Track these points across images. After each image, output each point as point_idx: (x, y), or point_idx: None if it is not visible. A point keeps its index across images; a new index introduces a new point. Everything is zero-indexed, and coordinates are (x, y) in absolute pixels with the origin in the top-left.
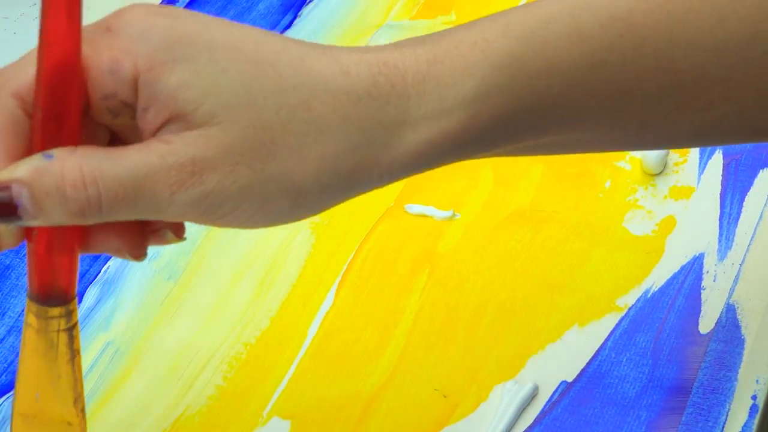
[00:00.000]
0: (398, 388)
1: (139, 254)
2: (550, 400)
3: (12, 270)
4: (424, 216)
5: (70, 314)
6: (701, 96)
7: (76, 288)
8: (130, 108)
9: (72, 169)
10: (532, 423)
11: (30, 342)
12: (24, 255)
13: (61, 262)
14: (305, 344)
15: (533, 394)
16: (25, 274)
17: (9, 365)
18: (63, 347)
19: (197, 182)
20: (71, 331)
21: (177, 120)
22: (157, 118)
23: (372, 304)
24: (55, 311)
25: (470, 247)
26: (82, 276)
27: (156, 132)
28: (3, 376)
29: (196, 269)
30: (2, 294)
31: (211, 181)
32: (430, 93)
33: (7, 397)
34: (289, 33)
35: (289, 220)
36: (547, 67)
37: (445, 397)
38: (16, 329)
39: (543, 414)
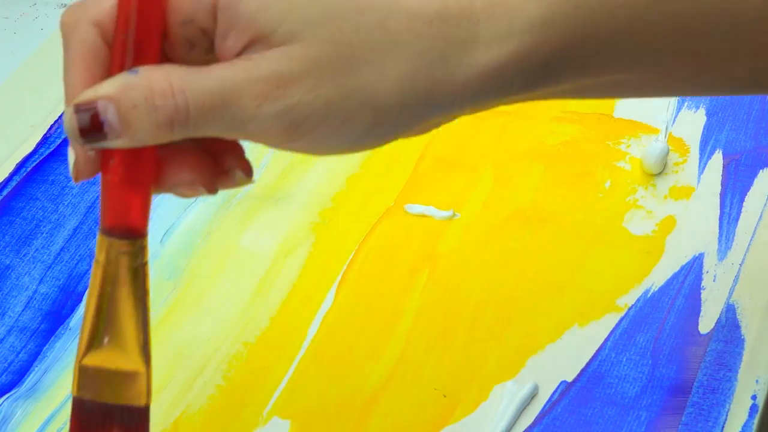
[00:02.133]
0: (398, 388)
1: (212, 188)
2: (550, 399)
3: (12, 270)
4: (424, 216)
5: (142, 250)
6: (758, 38)
7: (147, 225)
8: (206, 38)
9: (160, 79)
10: (532, 423)
11: (98, 280)
12: (24, 255)
13: (135, 194)
14: (305, 344)
15: (533, 394)
16: (25, 274)
17: (9, 365)
18: (133, 285)
19: (282, 95)
20: (143, 268)
21: (258, 42)
22: (237, 43)
23: (372, 303)
24: (127, 246)
25: (470, 247)
26: (82, 276)
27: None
28: (3, 376)
29: (197, 269)
30: (2, 294)
31: (295, 95)
32: (498, 16)
33: (7, 397)
34: None
35: (369, 141)
36: None
37: (445, 396)
38: (16, 329)
39: (543, 414)
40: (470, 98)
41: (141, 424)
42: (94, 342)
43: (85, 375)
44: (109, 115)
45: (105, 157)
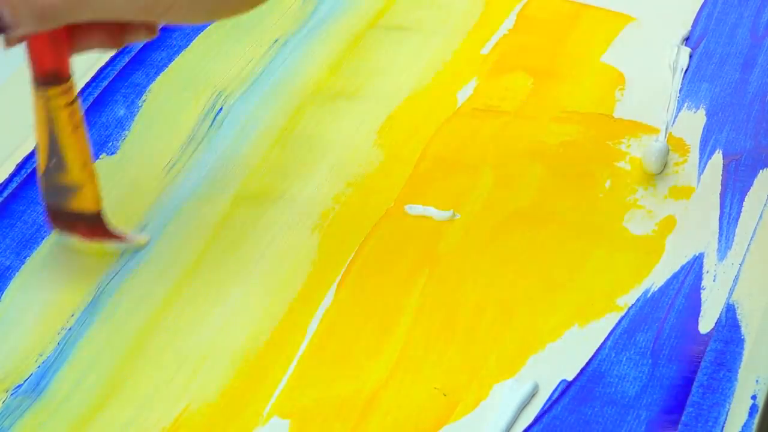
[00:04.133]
0: (398, 387)
1: (120, 45)
2: (550, 399)
3: (12, 270)
4: (424, 216)
5: (67, 92)
6: None
7: (70, 71)
8: None
9: None
10: (532, 422)
11: (38, 118)
12: (24, 257)
13: (52, 48)
14: (305, 343)
15: (533, 393)
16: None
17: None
18: (64, 121)
19: None
20: (70, 106)
21: None
22: None
23: (372, 304)
24: (53, 90)
25: (470, 247)
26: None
27: None
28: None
29: (196, 270)
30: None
31: None
32: None
33: (8, 396)
34: None
35: (223, 12)
36: None
37: (445, 395)
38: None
39: (543, 413)
40: None
41: (99, 225)
42: (46, 165)
43: (45, 186)
44: (3, 14)
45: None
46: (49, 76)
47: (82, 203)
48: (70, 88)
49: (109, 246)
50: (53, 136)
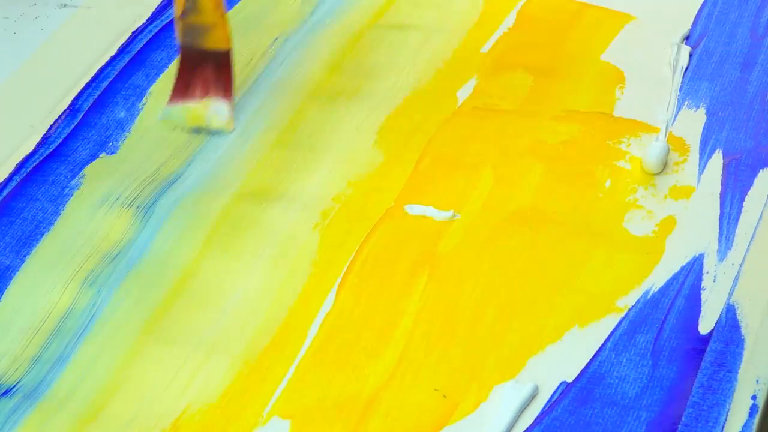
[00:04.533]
0: (398, 389)
1: None
2: (550, 400)
3: (12, 270)
4: (424, 216)
5: None
6: None
7: None
8: None
9: None
10: (532, 423)
11: None
12: (24, 256)
13: None
14: (305, 344)
15: (533, 395)
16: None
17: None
18: None
19: None
20: None
21: None
22: None
23: (372, 304)
24: None
25: (470, 247)
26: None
27: None
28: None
29: (196, 269)
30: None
31: None
32: None
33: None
34: None
35: None
36: None
37: (445, 397)
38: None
39: (543, 414)
40: None
41: (226, 65)
42: (183, 6)
43: (182, 28)
44: None
45: None
46: None
47: (214, 41)
48: None
49: (214, 109)
50: None
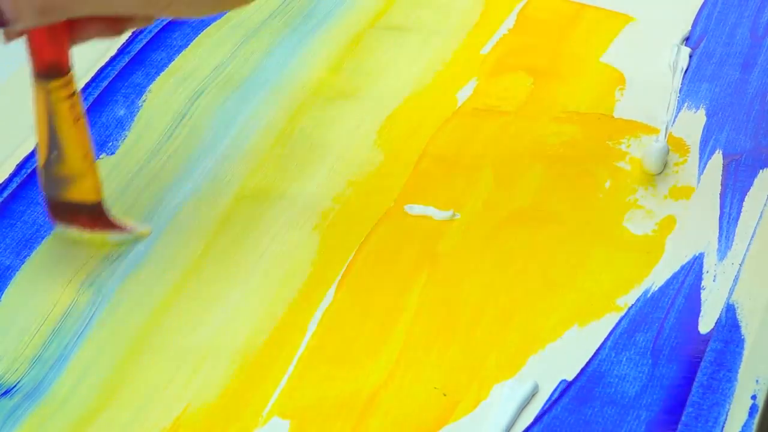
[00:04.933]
0: (398, 387)
1: (120, 32)
2: (549, 399)
3: (12, 270)
4: (424, 216)
5: (67, 85)
6: None
7: (70, 64)
8: None
9: None
10: (532, 422)
11: (39, 111)
12: (24, 257)
13: (52, 42)
14: (305, 343)
15: (533, 393)
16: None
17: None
18: (65, 113)
19: None
20: (71, 98)
21: None
22: None
23: (372, 303)
24: (54, 83)
25: (470, 247)
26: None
27: None
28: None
29: (196, 269)
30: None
31: None
32: None
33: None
34: None
35: (226, 4)
36: None
37: (445, 395)
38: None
39: (543, 413)
40: None
41: (100, 216)
42: (47, 156)
43: (46, 178)
44: (4, 8)
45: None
46: (50, 68)
47: (83, 194)
48: (70, 81)
49: (112, 237)
50: (54, 129)
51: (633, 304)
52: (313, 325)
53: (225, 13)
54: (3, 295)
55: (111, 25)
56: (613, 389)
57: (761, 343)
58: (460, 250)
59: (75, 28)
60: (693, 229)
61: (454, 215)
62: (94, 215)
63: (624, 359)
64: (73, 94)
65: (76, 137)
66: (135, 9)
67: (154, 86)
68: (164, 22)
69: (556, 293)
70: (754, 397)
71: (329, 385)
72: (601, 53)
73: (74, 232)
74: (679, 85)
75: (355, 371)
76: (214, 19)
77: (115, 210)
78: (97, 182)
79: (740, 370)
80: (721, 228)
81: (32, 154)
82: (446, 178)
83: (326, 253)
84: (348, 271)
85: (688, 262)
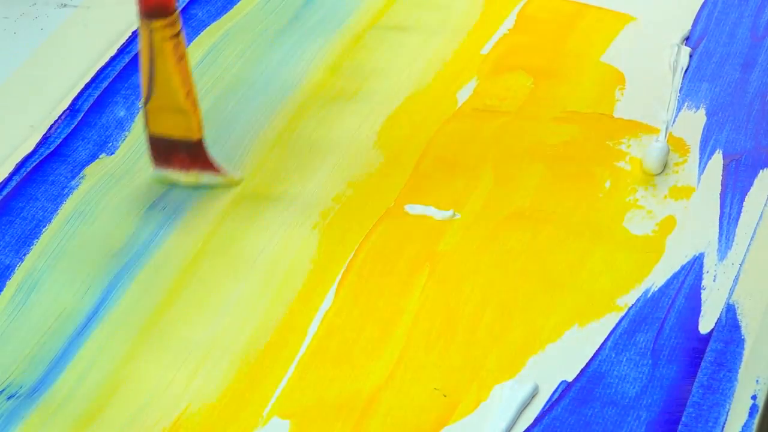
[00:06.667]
0: (398, 388)
1: None
2: (550, 399)
3: (11, 270)
4: (424, 216)
5: (172, 25)
6: None
7: (176, 4)
8: None
9: None
10: (533, 422)
11: (144, 51)
12: (23, 255)
13: None
14: (305, 344)
15: (533, 394)
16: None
17: None
18: (169, 51)
19: None
20: (176, 38)
21: None
22: None
23: (372, 303)
24: (159, 23)
25: (470, 247)
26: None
27: None
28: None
29: (196, 269)
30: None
31: None
32: None
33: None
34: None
35: None
36: None
37: (445, 396)
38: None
39: (543, 413)
40: None
41: (200, 154)
42: (150, 93)
43: (148, 116)
44: None
45: None
46: (156, 8)
47: (186, 131)
48: (175, 21)
49: (205, 179)
50: (155, 68)
51: (633, 304)
52: (314, 326)
53: (226, 12)
54: (2, 293)
55: None
56: (613, 390)
57: (761, 343)
58: (460, 250)
59: None
60: (693, 229)
61: (454, 215)
62: (195, 153)
63: (624, 359)
64: (178, 33)
65: (179, 75)
66: None
67: None
68: None
69: (556, 293)
70: (754, 397)
71: (329, 385)
72: (601, 53)
73: (172, 173)
74: (679, 85)
75: (355, 371)
76: (215, 20)
77: (114, 210)
78: (199, 120)
79: (740, 370)
80: (721, 228)
81: (32, 154)
82: (446, 178)
83: (327, 253)
84: (348, 270)
85: (688, 262)
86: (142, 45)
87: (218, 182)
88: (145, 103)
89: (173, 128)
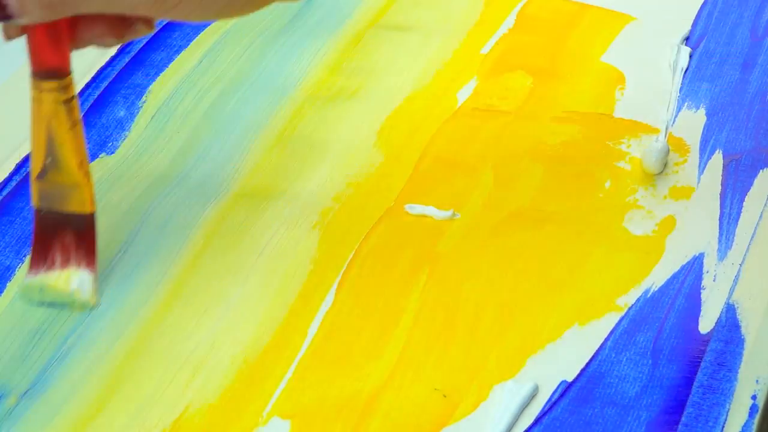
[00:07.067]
0: (398, 388)
1: (121, 38)
2: (550, 399)
3: (11, 270)
4: (424, 216)
5: (66, 88)
6: None
7: (70, 67)
8: None
9: None
10: (532, 423)
11: (35, 114)
12: (24, 256)
13: (53, 42)
14: (305, 344)
15: (533, 394)
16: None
17: None
18: (62, 117)
19: None
20: (69, 103)
21: None
22: None
23: (372, 303)
24: (52, 85)
25: (470, 247)
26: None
27: None
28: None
29: (196, 269)
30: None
31: None
32: None
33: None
34: None
35: (233, 10)
36: None
37: (445, 396)
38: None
39: (543, 414)
40: None
41: (89, 230)
42: (41, 164)
43: (39, 189)
44: (9, 2)
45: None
46: (49, 70)
47: (76, 204)
48: (69, 84)
49: (76, 280)
50: (50, 134)
51: (633, 304)
52: (314, 326)
53: None
54: (2, 294)
55: (114, 27)
56: (613, 390)
57: (761, 343)
58: (460, 250)
59: (77, 29)
60: (693, 229)
61: (454, 215)
62: (83, 228)
63: (624, 359)
64: (72, 98)
65: (72, 143)
66: (142, 9)
67: (154, 87)
68: (164, 23)
69: (556, 293)
70: (754, 397)
71: (330, 385)
72: (601, 53)
73: (39, 278)
74: (679, 85)
75: (355, 372)
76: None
77: (115, 210)
78: (91, 193)
79: (740, 370)
80: (721, 228)
81: None
82: (446, 178)
83: (326, 253)
84: (348, 270)
85: (688, 262)
86: (34, 110)
87: (82, 300)
88: (38, 174)
89: (65, 201)
